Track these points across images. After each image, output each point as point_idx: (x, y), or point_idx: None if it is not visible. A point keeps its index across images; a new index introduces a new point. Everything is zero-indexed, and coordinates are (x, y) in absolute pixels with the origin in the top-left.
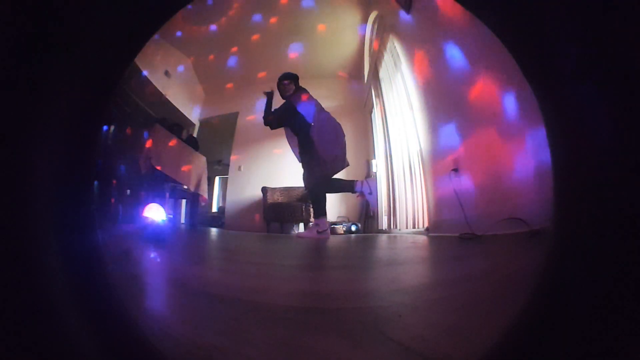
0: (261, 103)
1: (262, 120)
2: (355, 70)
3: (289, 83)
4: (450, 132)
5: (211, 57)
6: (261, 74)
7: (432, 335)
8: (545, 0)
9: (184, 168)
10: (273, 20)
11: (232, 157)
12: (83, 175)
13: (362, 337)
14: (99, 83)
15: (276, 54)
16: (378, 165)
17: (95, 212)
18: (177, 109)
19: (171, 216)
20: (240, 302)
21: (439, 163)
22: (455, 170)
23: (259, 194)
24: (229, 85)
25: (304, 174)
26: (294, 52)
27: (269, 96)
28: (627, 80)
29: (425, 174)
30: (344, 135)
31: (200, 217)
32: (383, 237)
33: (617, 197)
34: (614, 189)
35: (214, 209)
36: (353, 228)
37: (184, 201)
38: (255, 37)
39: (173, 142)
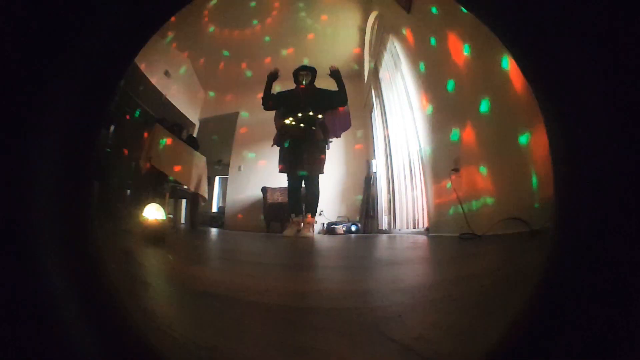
0: (261, 103)
1: (262, 107)
2: (355, 70)
3: (306, 74)
4: (450, 132)
5: (211, 57)
6: (261, 74)
7: (432, 335)
8: (545, 1)
9: (184, 168)
10: (273, 20)
11: (232, 157)
12: (83, 175)
13: (362, 337)
14: (99, 83)
15: (276, 54)
16: (378, 165)
17: (95, 212)
18: (177, 109)
19: (171, 216)
20: (240, 302)
21: (439, 163)
22: (455, 170)
23: (259, 194)
24: (229, 85)
25: (294, 163)
26: (294, 52)
27: (272, 78)
28: (627, 80)
29: (425, 174)
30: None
31: (200, 217)
32: (383, 237)
33: (617, 197)
34: (614, 188)
35: (214, 209)
36: (353, 228)
37: (184, 201)
38: (254, 37)
39: (173, 142)
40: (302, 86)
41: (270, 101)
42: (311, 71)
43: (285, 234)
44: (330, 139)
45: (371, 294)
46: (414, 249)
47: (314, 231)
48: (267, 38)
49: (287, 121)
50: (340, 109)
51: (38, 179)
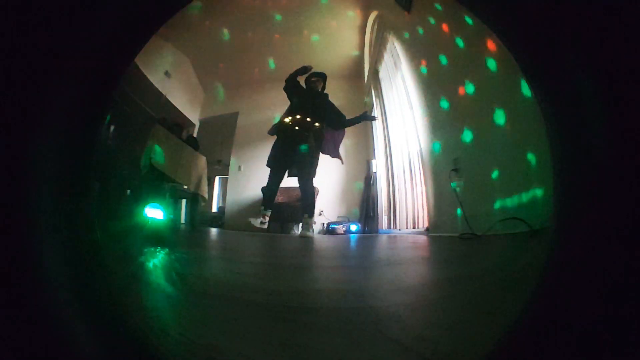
0: (261, 103)
1: (284, 86)
2: (355, 70)
3: (317, 80)
4: (450, 132)
5: (211, 57)
6: (261, 74)
7: (432, 335)
8: (545, 1)
9: (184, 168)
10: (273, 20)
11: (232, 157)
12: (83, 175)
13: (362, 337)
14: (99, 83)
15: (276, 54)
16: (378, 165)
17: (95, 212)
18: (177, 109)
19: (171, 216)
20: (240, 302)
21: (439, 163)
22: (455, 170)
23: (259, 194)
24: (229, 85)
25: (282, 162)
26: (294, 52)
27: (306, 70)
28: (627, 80)
29: (425, 174)
30: None
31: (200, 217)
32: (383, 237)
33: (617, 197)
34: (614, 188)
35: (214, 209)
36: (353, 228)
37: (184, 201)
38: (254, 37)
39: (173, 142)
40: (313, 92)
41: (291, 85)
42: (322, 77)
43: (253, 224)
44: (322, 151)
45: (371, 294)
46: (414, 249)
47: (313, 231)
48: (267, 38)
49: (286, 119)
50: (342, 134)
51: (38, 178)
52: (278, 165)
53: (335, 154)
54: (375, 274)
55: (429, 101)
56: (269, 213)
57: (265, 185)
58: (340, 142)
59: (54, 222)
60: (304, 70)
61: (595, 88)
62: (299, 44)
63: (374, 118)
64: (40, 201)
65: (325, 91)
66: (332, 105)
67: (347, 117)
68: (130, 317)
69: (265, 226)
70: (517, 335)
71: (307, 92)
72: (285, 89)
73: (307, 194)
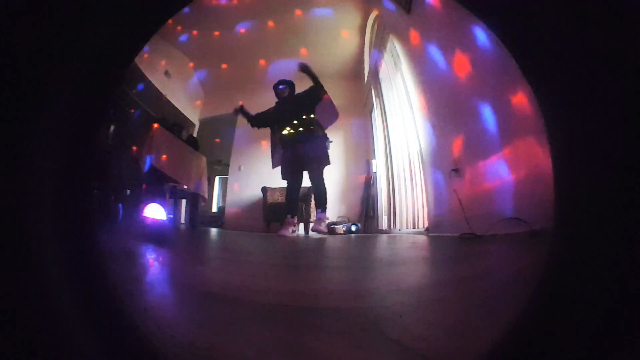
0: (261, 102)
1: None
2: (355, 70)
3: (285, 88)
4: (450, 132)
5: (211, 57)
6: (261, 74)
7: (432, 335)
8: (545, 1)
9: (184, 168)
10: (273, 21)
11: (232, 157)
12: (83, 175)
13: (362, 337)
14: (99, 83)
15: (276, 55)
16: (378, 165)
17: (96, 212)
18: (177, 109)
19: (171, 216)
20: (240, 302)
21: (439, 163)
22: (455, 170)
23: (259, 194)
24: (229, 85)
25: (295, 165)
26: (294, 52)
27: (241, 111)
28: (627, 80)
29: (425, 174)
30: None
31: (200, 217)
32: (383, 237)
33: (617, 197)
34: (614, 188)
35: (214, 209)
36: (353, 228)
37: (184, 201)
38: (254, 37)
39: (173, 142)
40: (284, 99)
41: (257, 122)
42: (289, 84)
43: (280, 233)
44: (330, 140)
45: (371, 294)
46: (414, 249)
47: (326, 226)
48: (267, 38)
49: (284, 132)
50: (325, 97)
51: (38, 179)
52: (293, 170)
53: (334, 113)
54: (376, 274)
55: (429, 101)
56: (295, 220)
57: (265, 185)
58: (331, 102)
59: (54, 222)
60: (236, 112)
61: (595, 86)
62: (299, 44)
63: (304, 64)
64: (40, 201)
65: (325, 93)
66: (300, 94)
67: (321, 91)
68: (130, 317)
69: (296, 234)
70: (517, 335)
71: (279, 102)
72: (258, 126)
73: (319, 188)
